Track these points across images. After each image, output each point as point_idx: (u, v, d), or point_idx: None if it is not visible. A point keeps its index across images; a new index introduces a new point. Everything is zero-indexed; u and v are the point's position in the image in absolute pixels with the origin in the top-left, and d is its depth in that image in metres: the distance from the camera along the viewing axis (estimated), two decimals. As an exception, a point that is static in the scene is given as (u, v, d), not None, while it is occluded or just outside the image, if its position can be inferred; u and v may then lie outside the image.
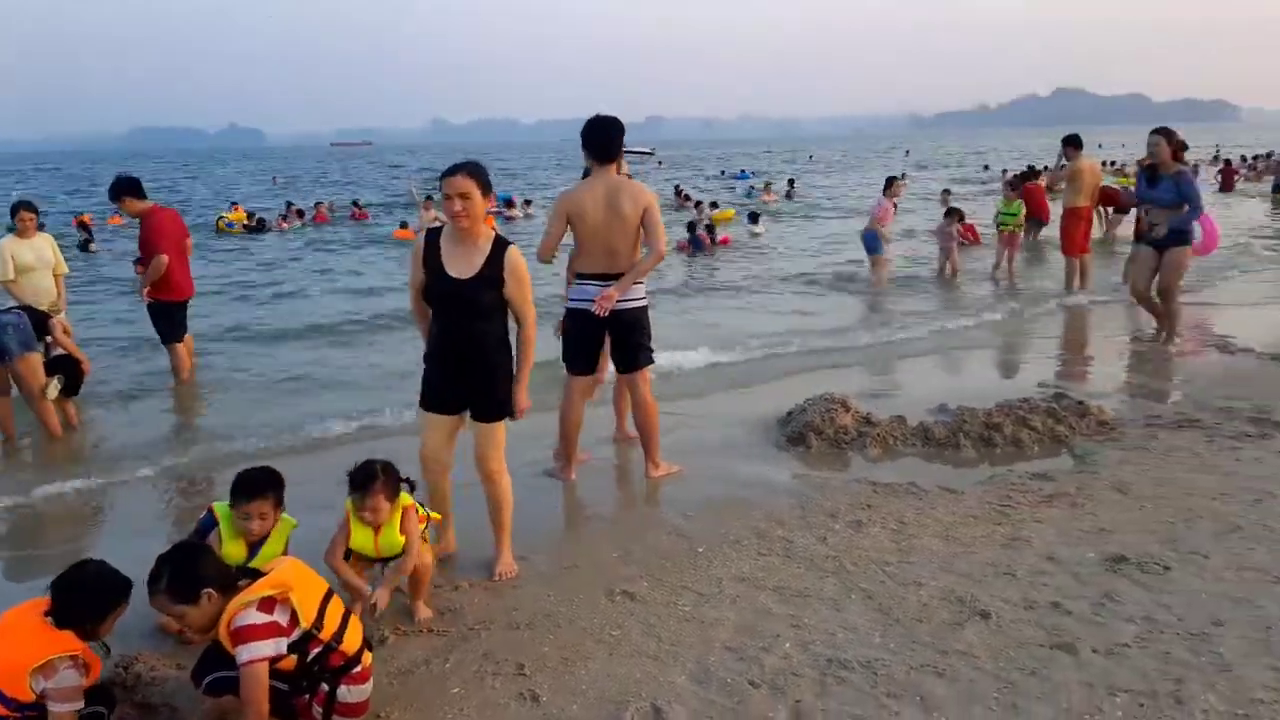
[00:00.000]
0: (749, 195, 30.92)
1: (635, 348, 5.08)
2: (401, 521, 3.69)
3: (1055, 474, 5.21)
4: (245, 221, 23.47)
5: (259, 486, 3.62)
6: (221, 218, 23.94)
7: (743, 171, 47.35)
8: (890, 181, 12.69)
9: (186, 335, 7.90)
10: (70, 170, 69.47)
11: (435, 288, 3.88)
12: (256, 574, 2.99)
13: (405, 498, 3.73)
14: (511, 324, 4.01)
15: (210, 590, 2.90)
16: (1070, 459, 5.52)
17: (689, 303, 11.89)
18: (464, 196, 3.77)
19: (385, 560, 3.74)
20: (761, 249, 17.31)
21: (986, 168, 45.86)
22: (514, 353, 4.04)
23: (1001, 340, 9.06)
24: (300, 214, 24.63)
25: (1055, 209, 14.81)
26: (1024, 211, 14.42)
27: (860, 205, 22.19)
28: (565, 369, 5.20)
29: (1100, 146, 54.15)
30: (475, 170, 3.82)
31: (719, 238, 16.89)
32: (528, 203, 26.04)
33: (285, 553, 3.63)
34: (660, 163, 59.88)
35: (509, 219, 23.62)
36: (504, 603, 3.92)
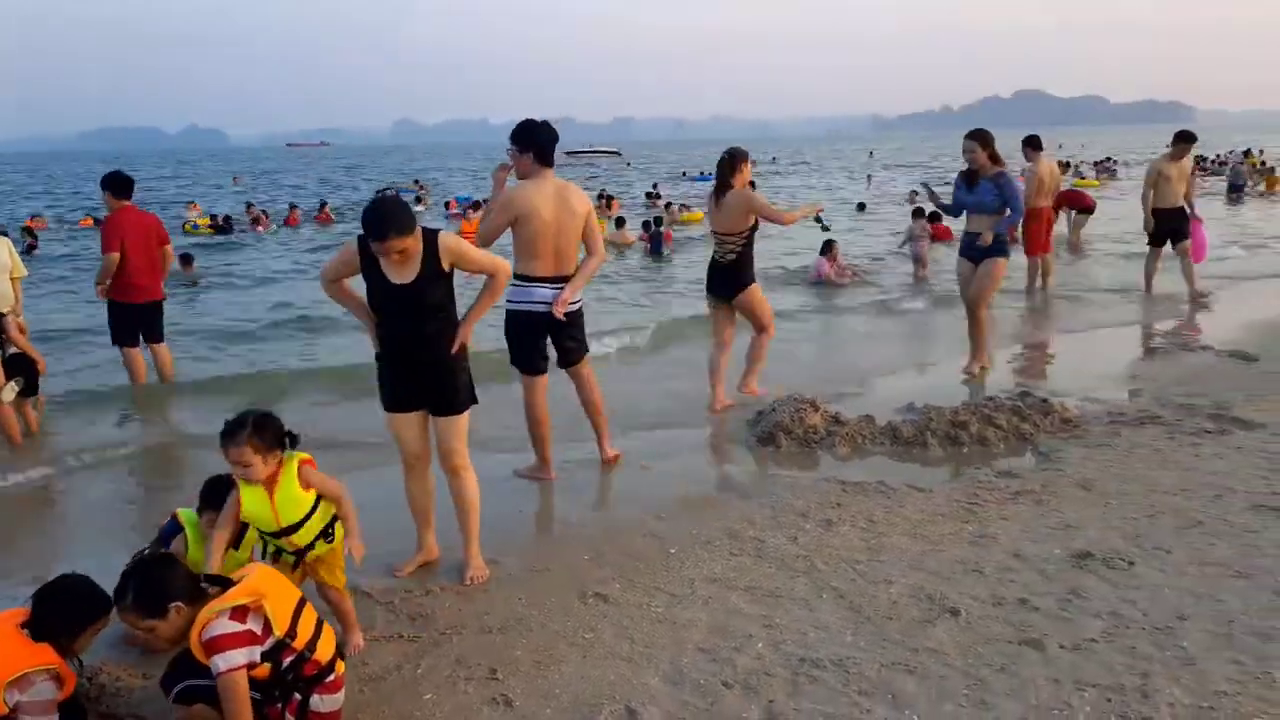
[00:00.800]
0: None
1: (578, 343, 5.24)
2: (300, 476, 3.35)
3: (1021, 471, 5.26)
4: (211, 223, 23.23)
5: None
6: (186, 221, 23.65)
7: (702, 174, 47.45)
8: (829, 246, 12.72)
9: (160, 344, 7.76)
10: (17, 176, 67.79)
11: (380, 295, 3.86)
12: (227, 583, 2.94)
13: (294, 454, 3.37)
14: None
15: (178, 603, 2.85)
16: (1035, 456, 5.57)
17: (648, 298, 12.10)
18: (401, 253, 3.72)
19: (289, 532, 3.37)
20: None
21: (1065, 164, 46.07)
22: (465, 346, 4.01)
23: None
24: (264, 216, 24.38)
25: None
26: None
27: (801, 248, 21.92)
28: (520, 372, 5.18)
29: (1060, 147, 54.96)
30: (396, 227, 3.65)
31: (664, 234, 17.11)
32: (476, 205, 25.93)
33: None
34: (629, 163, 60.05)
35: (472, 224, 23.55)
36: (475, 607, 3.89)
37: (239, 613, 2.83)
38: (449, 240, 3.88)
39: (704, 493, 5.08)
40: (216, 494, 3.52)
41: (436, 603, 3.92)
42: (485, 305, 4.06)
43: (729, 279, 6.47)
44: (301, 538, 3.46)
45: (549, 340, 5.16)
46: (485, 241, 4.87)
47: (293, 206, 27.03)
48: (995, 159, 7.09)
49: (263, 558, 3.54)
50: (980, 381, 7.22)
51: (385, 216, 3.68)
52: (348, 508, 3.44)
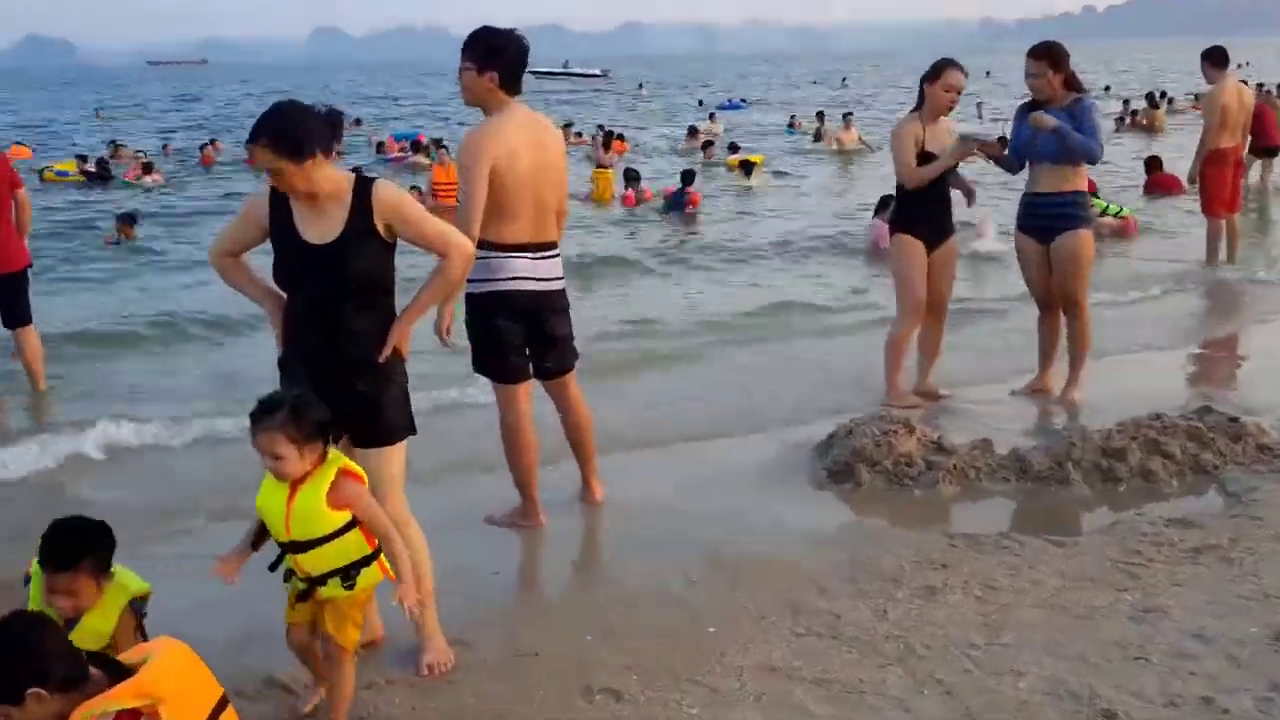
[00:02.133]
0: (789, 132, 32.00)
1: (566, 342, 5.31)
2: (333, 489, 3.55)
3: (1201, 519, 5.27)
4: (81, 169, 23.56)
5: (67, 555, 3.44)
6: (48, 168, 23.96)
7: (731, 100, 47.82)
8: (886, 201, 12.86)
9: (28, 327, 7.88)
10: None
11: (288, 259, 3.88)
12: (122, 669, 2.93)
13: (338, 456, 3.63)
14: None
15: (40, 690, 2.84)
16: (1222, 497, 5.57)
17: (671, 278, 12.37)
18: (273, 173, 3.78)
19: (297, 549, 3.57)
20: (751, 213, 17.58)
21: (1108, 89, 46.36)
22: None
23: (1123, 333, 9.14)
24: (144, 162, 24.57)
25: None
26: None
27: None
28: (493, 381, 5.23)
29: (1245, 65, 54.77)
30: (276, 137, 3.73)
31: (690, 196, 17.50)
32: (440, 145, 25.97)
33: (125, 627, 3.53)
34: (643, 86, 60.37)
35: (416, 170, 23.65)
36: (437, 705, 3.90)
37: (126, 718, 2.84)
38: (387, 192, 3.89)
39: (754, 547, 5.08)
40: (60, 551, 3.52)
41: (383, 699, 3.94)
42: (432, 296, 4.04)
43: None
44: (312, 564, 3.58)
45: (528, 335, 5.19)
46: (474, 221, 4.87)
47: (212, 141, 27.71)
48: (1072, 83, 6.87)
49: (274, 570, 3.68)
50: (1073, 411, 7.09)
51: (271, 117, 3.76)
52: (398, 547, 3.61)
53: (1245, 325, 9.68)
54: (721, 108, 45.62)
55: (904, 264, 7.05)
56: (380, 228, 3.86)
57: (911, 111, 7.02)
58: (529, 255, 5.07)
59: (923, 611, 4.44)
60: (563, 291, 5.27)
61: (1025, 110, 6.99)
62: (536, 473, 5.34)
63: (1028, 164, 7.04)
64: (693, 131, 29.18)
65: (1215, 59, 11.19)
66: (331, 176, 3.86)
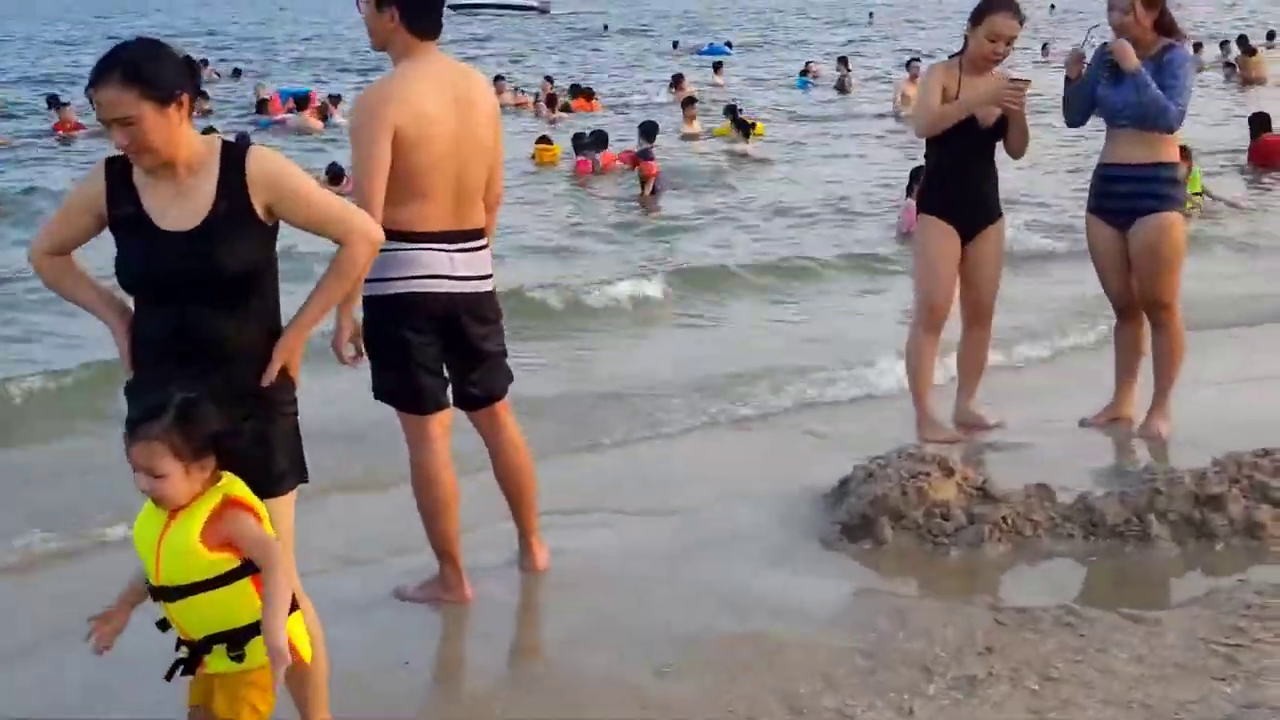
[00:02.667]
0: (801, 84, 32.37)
1: (497, 359, 5.33)
2: (213, 521, 3.52)
3: (1322, 586, 5.23)
4: None
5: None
6: None
7: (714, 44, 48.46)
8: (918, 174, 12.97)
9: None
10: None
11: (136, 253, 3.82)
12: None
13: (231, 482, 3.60)
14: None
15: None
16: (1346, 559, 5.55)
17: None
18: (124, 122, 3.71)
19: (167, 596, 3.56)
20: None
21: (1225, 44, 46.65)
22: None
23: (1219, 351, 9.13)
24: None
25: None
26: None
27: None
28: (399, 411, 5.20)
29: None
30: (132, 71, 3.70)
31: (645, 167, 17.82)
32: (335, 100, 25.94)
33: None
34: (606, 27, 60.57)
35: (303, 133, 23.76)
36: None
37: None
38: (266, 160, 3.86)
39: (743, 628, 5.04)
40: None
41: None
42: (329, 298, 4.01)
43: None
44: (185, 619, 3.55)
45: (446, 350, 5.19)
46: (374, 195, 4.86)
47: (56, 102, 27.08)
48: (1166, 27, 6.83)
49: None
50: (1158, 447, 7.11)
51: (123, 49, 3.74)
52: (276, 583, 3.55)
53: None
54: (700, 52, 46.16)
55: (926, 252, 7.09)
56: (259, 207, 3.82)
57: (951, 57, 7.02)
58: (446, 247, 5.03)
59: (960, 710, 4.41)
60: (492, 294, 5.26)
61: (1105, 54, 6.93)
62: (458, 531, 5.28)
63: (1106, 126, 7.02)
64: (677, 81, 29.29)
65: None
66: (193, 139, 3.83)
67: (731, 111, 23.81)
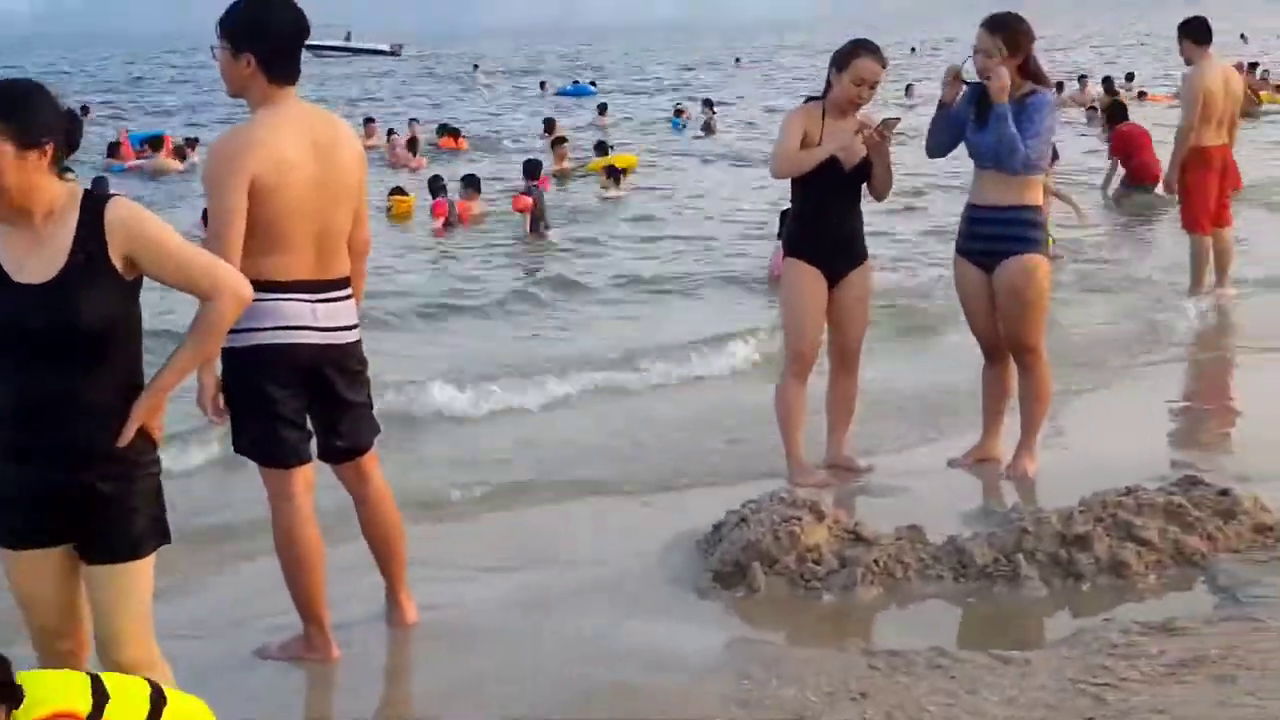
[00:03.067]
0: (678, 127, 32.91)
1: (362, 411, 5.26)
2: None
3: (1186, 623, 5.29)
4: None
5: None
6: None
7: (579, 83, 49.30)
8: (785, 216, 13.11)
9: None
10: None
11: None
12: None
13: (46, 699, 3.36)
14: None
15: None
16: (1211, 595, 5.63)
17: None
18: None
19: None
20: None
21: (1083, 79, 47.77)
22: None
23: (1083, 379, 9.29)
24: None
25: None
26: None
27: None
28: (260, 466, 5.13)
29: (1244, 39, 57.00)
30: (3, 109, 3.66)
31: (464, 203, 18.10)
32: (191, 145, 25.52)
33: None
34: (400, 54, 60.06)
35: (156, 176, 23.33)
36: None
37: None
38: (126, 211, 3.78)
39: (611, 681, 4.99)
40: None
41: None
42: (195, 355, 3.96)
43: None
44: None
45: (310, 403, 5.11)
46: (232, 245, 4.78)
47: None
48: (1030, 71, 6.89)
49: None
50: (1026, 487, 7.20)
51: None
52: None
53: (1240, 370, 9.91)
54: (562, 92, 46.73)
55: (792, 297, 7.10)
56: (117, 260, 3.73)
57: (810, 100, 7.06)
58: (308, 297, 4.95)
59: (834, 759, 4.38)
60: (358, 344, 5.19)
61: (974, 96, 6.99)
62: (324, 588, 5.17)
63: (974, 166, 7.09)
64: (549, 126, 29.41)
65: (1196, 34, 11.46)
66: (53, 188, 3.75)
67: (602, 148, 23.88)
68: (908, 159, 12.33)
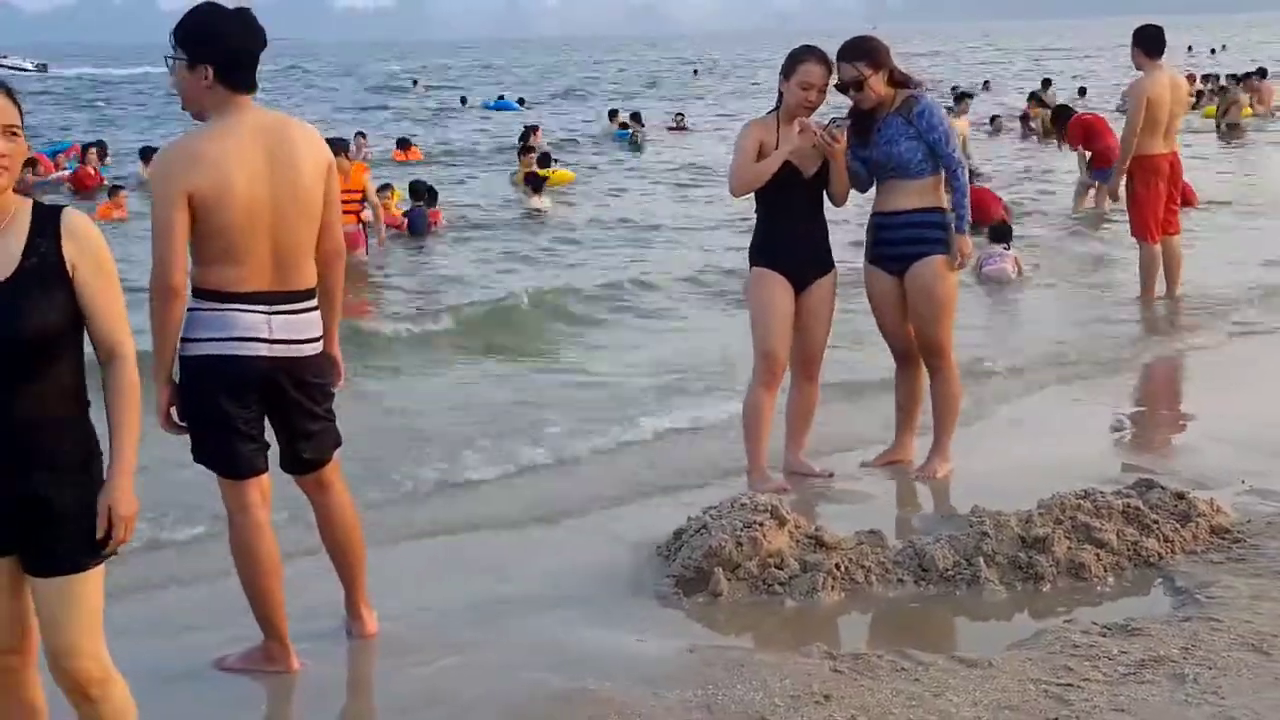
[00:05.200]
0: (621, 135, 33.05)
1: (322, 422, 5.23)
2: None
3: (1145, 624, 5.33)
4: None
5: None
6: None
7: (504, 99, 49.67)
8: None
9: None
10: None
11: None
12: None
13: None
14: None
15: None
16: (1168, 596, 5.68)
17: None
18: None
19: None
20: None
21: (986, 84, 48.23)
22: (94, 429, 3.87)
23: (1041, 386, 9.36)
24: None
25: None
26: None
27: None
28: (219, 476, 5.09)
29: (1190, 50, 57.70)
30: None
31: (430, 213, 18.27)
32: (100, 150, 25.08)
33: None
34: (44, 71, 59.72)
35: (79, 189, 22.89)
36: None
37: None
38: (83, 221, 3.78)
39: (573, 690, 4.96)
40: None
41: None
42: (135, 428, 3.84)
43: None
44: None
45: (266, 413, 5.09)
46: (173, 267, 4.77)
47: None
48: (898, 79, 7.06)
49: None
50: (940, 488, 7.28)
51: None
52: None
53: (1191, 375, 10.00)
54: (488, 106, 47.04)
55: (758, 305, 7.11)
56: (70, 265, 3.71)
57: (769, 112, 7.09)
58: (262, 309, 4.91)
59: (799, 763, 4.38)
60: (319, 357, 5.15)
61: (851, 121, 7.08)
62: (282, 599, 5.14)
63: (875, 180, 7.21)
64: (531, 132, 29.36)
65: (1148, 43, 11.56)
66: (9, 193, 3.74)
67: (545, 161, 23.89)
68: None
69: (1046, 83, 37.03)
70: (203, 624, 5.64)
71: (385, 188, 18.77)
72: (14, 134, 3.69)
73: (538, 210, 20.59)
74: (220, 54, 4.86)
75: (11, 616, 3.90)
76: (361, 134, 28.03)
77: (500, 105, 47.53)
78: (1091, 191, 17.82)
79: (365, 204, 15.73)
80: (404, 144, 28.48)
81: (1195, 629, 5.23)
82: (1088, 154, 17.69)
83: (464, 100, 50.48)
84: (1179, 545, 6.02)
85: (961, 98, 27.20)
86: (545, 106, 48.99)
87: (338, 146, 23.05)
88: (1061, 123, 18.89)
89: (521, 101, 49.37)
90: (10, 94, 3.72)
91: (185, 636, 5.55)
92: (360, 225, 15.37)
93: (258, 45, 4.95)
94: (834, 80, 7.05)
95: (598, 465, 8.00)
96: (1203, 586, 5.66)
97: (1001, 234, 13.99)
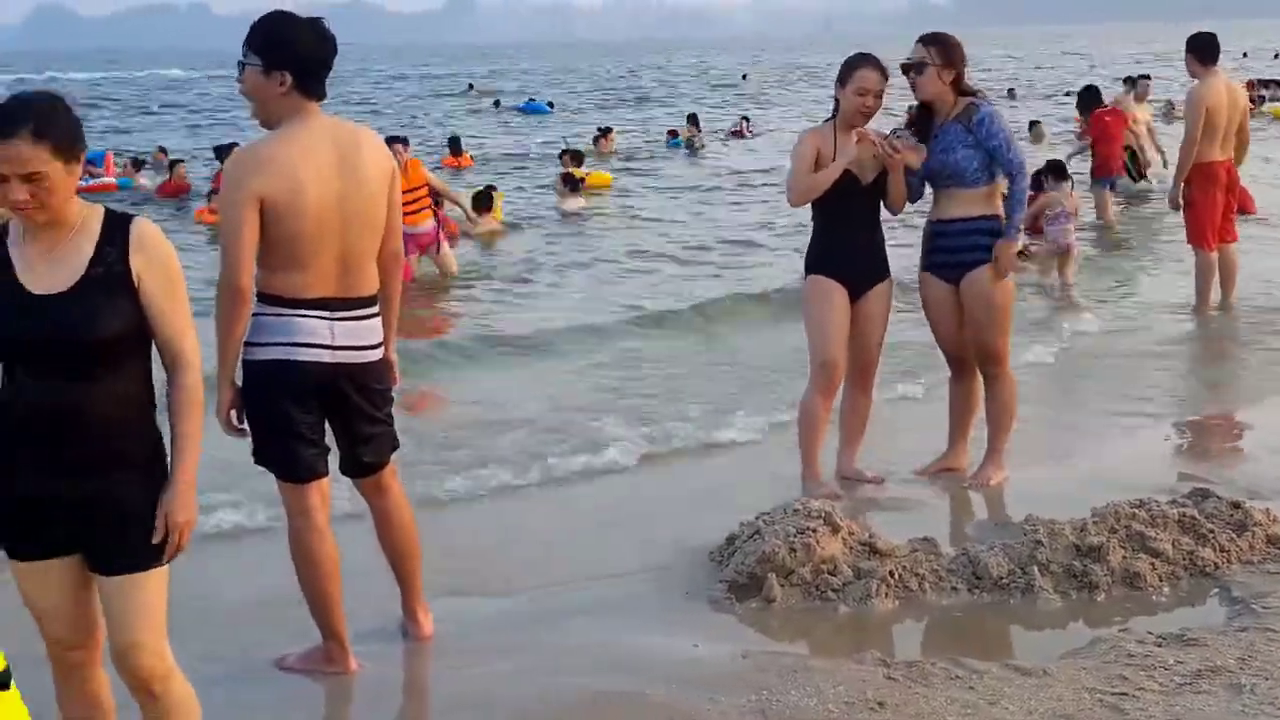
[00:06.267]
0: (677, 143, 32.31)
1: (382, 426, 5.27)
2: None
3: (1201, 634, 5.31)
4: None
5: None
6: None
7: (534, 101, 49.87)
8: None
9: None
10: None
11: (3, 320, 3.75)
12: None
13: None
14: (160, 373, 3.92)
15: None
16: (1224, 606, 5.65)
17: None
18: (30, 179, 3.66)
19: None
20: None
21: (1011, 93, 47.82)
22: (160, 431, 3.92)
23: (1094, 394, 9.31)
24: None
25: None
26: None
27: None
28: (278, 479, 5.14)
29: (1245, 56, 57.12)
30: (44, 125, 3.69)
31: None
32: (137, 164, 25.14)
33: None
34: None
35: (169, 196, 22.91)
36: None
37: None
38: (153, 232, 3.83)
39: (633, 689, 4.97)
40: None
41: None
42: (196, 437, 3.89)
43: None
44: None
45: (326, 418, 5.13)
46: (242, 269, 4.82)
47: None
48: (963, 88, 7.03)
49: None
50: (995, 496, 7.24)
51: (32, 100, 3.73)
52: None
53: (1248, 385, 9.93)
54: (519, 108, 47.21)
55: (814, 311, 7.10)
56: (136, 276, 3.76)
57: (825, 121, 7.10)
58: (325, 315, 4.95)
59: (854, 769, 4.39)
60: (379, 363, 5.19)
61: (911, 122, 7.17)
62: (341, 600, 5.18)
63: (933, 188, 7.18)
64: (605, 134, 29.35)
65: (1202, 51, 11.48)
66: (78, 200, 3.82)
67: (577, 159, 23.72)
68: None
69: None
70: (263, 622, 5.69)
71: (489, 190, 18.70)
72: (36, 178, 3.68)
73: (573, 213, 20.38)
74: (297, 60, 4.89)
75: (78, 613, 3.96)
76: (403, 140, 28.01)
77: (531, 108, 47.73)
78: (1111, 201, 17.70)
79: (438, 194, 15.34)
80: (455, 148, 28.14)
81: (1252, 639, 5.21)
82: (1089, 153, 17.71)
83: (497, 103, 50.71)
84: (1235, 555, 6.00)
85: (1134, 81, 26.20)
86: (610, 110, 48.85)
87: (394, 142, 22.69)
88: (1086, 105, 18.69)
89: (551, 105, 49.51)
90: (43, 136, 3.68)
91: (245, 635, 5.60)
92: (435, 220, 14.94)
93: (330, 53, 5.00)
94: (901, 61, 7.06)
95: (651, 470, 8.00)
96: (1259, 596, 5.64)
97: (1059, 170, 14.16)
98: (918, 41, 7.06)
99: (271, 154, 4.89)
